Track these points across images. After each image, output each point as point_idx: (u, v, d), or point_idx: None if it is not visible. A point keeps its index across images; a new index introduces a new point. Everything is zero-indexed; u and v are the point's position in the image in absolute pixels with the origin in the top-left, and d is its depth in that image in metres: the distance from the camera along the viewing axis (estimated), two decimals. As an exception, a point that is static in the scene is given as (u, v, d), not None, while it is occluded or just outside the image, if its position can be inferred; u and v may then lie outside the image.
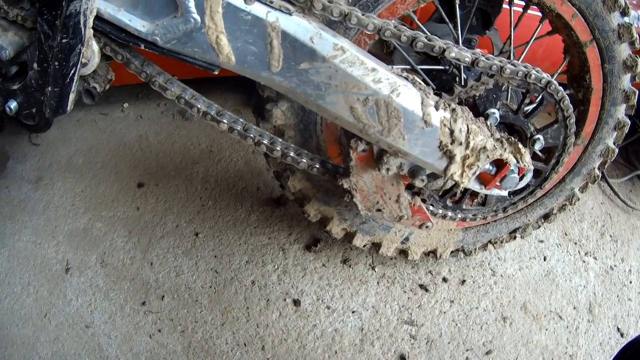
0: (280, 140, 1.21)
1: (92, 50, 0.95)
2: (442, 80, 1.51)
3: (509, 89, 1.42)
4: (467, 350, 1.64)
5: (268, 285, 1.70)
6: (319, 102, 1.06)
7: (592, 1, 1.29)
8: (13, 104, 0.98)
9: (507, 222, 1.73)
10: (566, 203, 1.70)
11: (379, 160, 1.19)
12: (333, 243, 1.83)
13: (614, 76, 1.40)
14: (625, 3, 1.30)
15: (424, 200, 1.44)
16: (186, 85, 1.09)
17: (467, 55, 1.11)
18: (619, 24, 1.33)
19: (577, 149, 1.55)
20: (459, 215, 1.58)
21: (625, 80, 1.42)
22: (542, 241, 2.00)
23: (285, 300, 1.67)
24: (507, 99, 1.43)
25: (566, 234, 2.06)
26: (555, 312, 1.79)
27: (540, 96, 1.32)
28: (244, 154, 2.13)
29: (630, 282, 1.94)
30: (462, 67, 1.39)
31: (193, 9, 0.92)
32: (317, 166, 1.26)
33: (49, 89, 0.95)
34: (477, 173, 1.21)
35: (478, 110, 1.32)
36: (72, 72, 0.94)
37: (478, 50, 1.18)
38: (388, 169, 1.19)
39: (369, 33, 1.07)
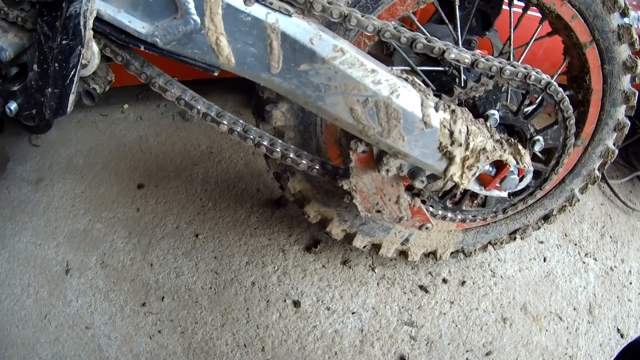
0: (280, 141, 1.21)
1: (92, 52, 0.95)
2: (441, 81, 1.51)
3: (509, 90, 1.42)
4: (467, 351, 1.64)
5: (268, 286, 1.70)
6: (318, 104, 1.06)
7: (591, 2, 1.29)
8: (13, 105, 0.98)
9: (507, 223, 1.73)
10: (566, 204, 1.70)
11: (378, 162, 1.18)
12: (333, 244, 1.83)
13: (614, 77, 1.40)
14: (625, 4, 1.30)
15: (423, 202, 1.44)
16: (186, 87, 1.09)
17: (466, 57, 1.11)
18: (618, 25, 1.33)
19: (577, 150, 1.55)
20: (459, 217, 1.58)
21: (625, 81, 1.42)
22: (542, 242, 2.00)
23: (285, 301, 1.67)
24: (507, 100, 1.43)
25: (566, 235, 2.06)
26: (555, 313, 1.78)
27: (540, 97, 1.32)
28: (244, 155, 2.13)
29: (630, 283, 1.94)
30: (461, 68, 1.40)
31: (193, 10, 0.92)
32: (317, 167, 1.26)
33: (49, 90, 0.95)
34: (477, 174, 1.21)
35: (478, 111, 1.32)
36: (72, 73, 0.94)
37: (478, 52, 1.18)
38: (388, 170, 1.19)
39: (368, 34, 1.07)
